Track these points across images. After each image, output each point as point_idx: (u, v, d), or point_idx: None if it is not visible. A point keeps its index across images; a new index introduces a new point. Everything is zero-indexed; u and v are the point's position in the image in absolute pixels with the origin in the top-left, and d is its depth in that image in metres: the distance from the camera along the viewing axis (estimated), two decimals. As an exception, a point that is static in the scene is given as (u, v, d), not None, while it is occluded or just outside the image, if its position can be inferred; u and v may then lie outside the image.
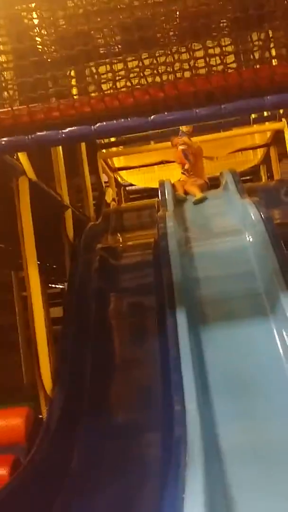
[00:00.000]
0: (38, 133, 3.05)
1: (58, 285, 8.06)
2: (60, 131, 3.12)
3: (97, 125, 3.05)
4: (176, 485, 2.07)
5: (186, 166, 6.69)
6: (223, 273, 4.41)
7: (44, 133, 3.14)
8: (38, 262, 3.82)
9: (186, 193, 6.45)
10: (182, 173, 6.74)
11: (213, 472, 2.45)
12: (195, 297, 4.15)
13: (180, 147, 6.68)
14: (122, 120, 3.06)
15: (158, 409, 3.25)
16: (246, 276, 4.30)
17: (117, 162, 8.71)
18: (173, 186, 6.49)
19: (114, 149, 8.17)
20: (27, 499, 2.62)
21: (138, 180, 9.03)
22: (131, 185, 9.22)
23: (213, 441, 2.88)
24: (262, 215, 4.61)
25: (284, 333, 3.56)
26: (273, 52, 3.20)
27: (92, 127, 3.06)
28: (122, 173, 8.90)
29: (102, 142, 7.62)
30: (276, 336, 3.62)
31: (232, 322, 3.88)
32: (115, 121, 3.07)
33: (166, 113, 2.99)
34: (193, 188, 6.41)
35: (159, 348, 3.70)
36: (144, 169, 8.73)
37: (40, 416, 3.43)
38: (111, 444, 3.09)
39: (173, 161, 7.28)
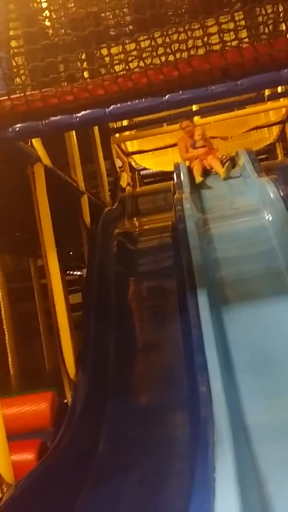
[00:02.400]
0: (52, 118, 3.01)
1: (76, 272, 8.07)
2: (74, 115, 3.08)
3: (111, 107, 3.01)
4: (206, 465, 2.06)
5: (196, 138, 6.53)
6: (244, 253, 4.37)
7: (58, 117, 3.11)
8: (57, 249, 3.81)
9: (205, 171, 6.28)
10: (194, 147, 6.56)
11: (241, 450, 2.44)
12: (216, 278, 4.13)
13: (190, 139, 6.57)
14: (137, 101, 3.02)
15: (182, 390, 3.24)
16: (267, 255, 4.26)
17: (131, 146, 8.65)
18: (188, 170, 6.38)
19: (127, 133, 8.10)
20: (55, 483, 2.64)
21: (152, 163, 8.97)
22: (145, 169, 9.16)
23: (240, 420, 2.87)
24: (281, 193, 4.55)
25: (307, 311, 3.52)
26: (288, 24, 3.11)
27: (106, 109, 3.02)
28: (136, 157, 8.84)
29: (115, 126, 7.56)
30: (299, 314, 3.58)
31: (254, 301, 3.84)
32: (129, 103, 3.02)
33: (181, 92, 2.93)
34: (216, 162, 6.24)
35: (181, 330, 3.69)
36: (158, 152, 8.65)
37: (65, 401, 3.45)
38: (136, 427, 3.10)
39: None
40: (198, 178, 6.15)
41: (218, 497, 1.72)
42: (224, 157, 6.34)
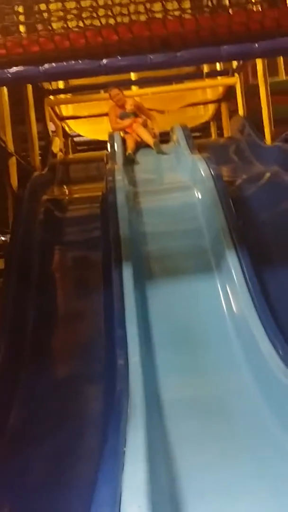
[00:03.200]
0: (-19, 71, 2.83)
1: None
2: (6, 70, 2.91)
3: (46, 66, 2.87)
4: (118, 438, 2.06)
5: (128, 109, 6.36)
6: (171, 229, 4.39)
7: (-13, 71, 2.92)
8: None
9: (138, 144, 6.20)
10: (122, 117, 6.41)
11: (154, 425, 2.47)
12: (142, 252, 4.12)
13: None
14: (73, 62, 2.89)
15: (101, 363, 3.23)
16: (194, 233, 4.30)
17: (65, 110, 8.38)
18: (123, 140, 6.28)
19: (62, 96, 7.84)
20: None
21: (86, 131, 8.75)
22: (79, 136, 8.93)
23: (155, 395, 2.91)
24: (212, 172, 4.59)
25: (228, 290, 3.61)
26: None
27: (41, 67, 2.88)
28: (70, 123, 8.59)
29: (50, 88, 7.29)
30: (220, 293, 3.66)
31: (177, 277, 3.88)
32: (65, 63, 2.89)
33: (119, 57, 2.84)
34: (143, 132, 6.14)
35: (104, 302, 3.66)
36: (94, 120, 8.44)
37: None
38: (51, 398, 3.05)
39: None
40: (128, 151, 6.05)
41: (126, 471, 1.73)
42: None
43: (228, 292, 3.59)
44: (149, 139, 6.10)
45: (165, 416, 2.70)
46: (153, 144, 6.05)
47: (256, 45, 2.89)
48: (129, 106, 6.41)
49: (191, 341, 3.38)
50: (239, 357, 3.17)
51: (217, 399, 2.91)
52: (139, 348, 3.01)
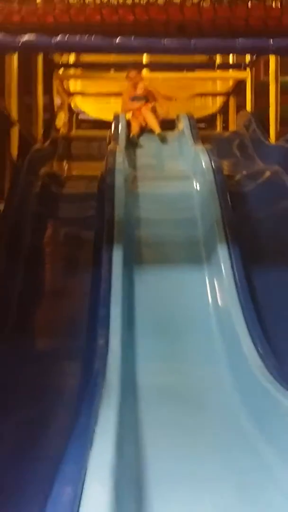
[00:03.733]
0: (-7, 36, 2.79)
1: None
2: (17, 37, 2.88)
3: (59, 37, 2.84)
4: (89, 415, 2.08)
5: (138, 92, 6.36)
6: (166, 217, 4.39)
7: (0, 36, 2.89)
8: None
9: (142, 129, 6.17)
10: (133, 99, 6.38)
11: (128, 408, 2.49)
12: (134, 237, 4.12)
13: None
14: (86, 37, 2.86)
15: (81, 341, 3.24)
16: (188, 223, 4.30)
17: (73, 86, 8.30)
18: (127, 123, 6.25)
19: (72, 71, 7.75)
20: None
21: (92, 109, 8.66)
22: (85, 113, 8.84)
23: (131, 379, 2.93)
24: (213, 164, 4.58)
25: (216, 283, 3.62)
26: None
27: (53, 39, 2.85)
28: (77, 99, 8.50)
29: (61, 62, 7.20)
30: (208, 285, 3.68)
31: (167, 265, 3.89)
32: (78, 37, 2.86)
33: (133, 38, 2.81)
34: (150, 117, 6.11)
35: (91, 282, 3.66)
36: (100, 99, 8.37)
37: None
38: (28, 371, 3.06)
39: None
40: (132, 133, 6.04)
41: (94, 449, 1.74)
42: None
43: (215, 286, 3.61)
44: (155, 126, 6.09)
45: (139, 400, 2.72)
46: (157, 133, 6.03)
47: (272, 41, 2.87)
48: (139, 90, 6.38)
49: (173, 330, 3.39)
50: (219, 351, 3.20)
51: (192, 389, 2.93)
52: (121, 330, 3.03)
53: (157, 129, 6.08)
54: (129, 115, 6.40)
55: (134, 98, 6.39)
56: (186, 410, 2.71)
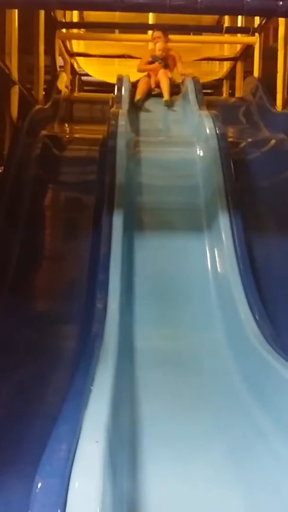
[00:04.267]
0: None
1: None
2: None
3: (60, -8, 2.74)
4: (86, 376, 2.10)
5: (157, 53, 6.21)
6: (168, 183, 4.33)
7: (-1, -10, 2.79)
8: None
9: (151, 91, 6.05)
10: (152, 61, 6.22)
11: (124, 371, 2.51)
12: (135, 202, 4.08)
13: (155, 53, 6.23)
14: (89, -8, 2.76)
15: (80, 304, 3.25)
16: (190, 190, 4.25)
17: (76, 46, 8.10)
18: (132, 85, 6.09)
19: (75, 31, 7.55)
20: None
21: (95, 71, 8.48)
22: (87, 75, 8.67)
23: (128, 342, 2.95)
24: (217, 131, 4.49)
25: (216, 251, 3.61)
26: None
27: (54, -7, 2.75)
28: (80, 60, 8.31)
29: (63, 21, 7.01)
30: (208, 253, 3.66)
31: (167, 232, 3.86)
32: (80, -8, 2.76)
33: (138, -6, 2.72)
34: (164, 81, 5.96)
35: (91, 246, 3.65)
36: (104, 60, 8.18)
37: None
38: (26, 333, 3.08)
39: (136, 57, 6.86)
40: (137, 97, 5.91)
41: (89, 408, 1.76)
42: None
43: (215, 253, 3.60)
44: (165, 92, 5.94)
45: (135, 364, 2.75)
46: (165, 100, 5.89)
47: (281, 2, 2.78)
48: (157, 51, 6.22)
49: (171, 296, 3.40)
50: (217, 317, 3.21)
51: (188, 354, 2.96)
52: (119, 294, 3.03)
53: (166, 95, 5.94)
54: (138, 77, 6.24)
55: (154, 59, 6.23)
56: (182, 374, 2.74)
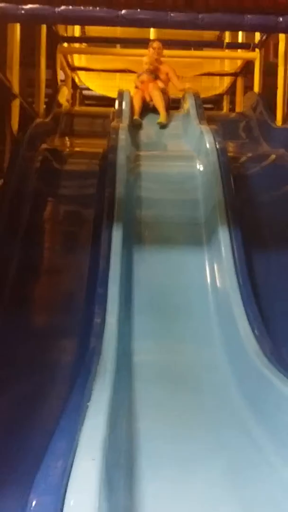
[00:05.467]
0: (-5, 3, 2.72)
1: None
2: (20, 6, 2.81)
3: (62, 7, 2.77)
4: (83, 391, 2.07)
5: (144, 66, 6.03)
6: (167, 197, 4.33)
7: (1, 4, 2.82)
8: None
9: (146, 105, 5.98)
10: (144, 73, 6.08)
11: (122, 386, 2.49)
12: (135, 216, 4.08)
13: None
14: (91, 8, 2.79)
15: (78, 318, 3.23)
16: (190, 204, 4.26)
17: (78, 61, 8.16)
18: (131, 100, 6.05)
19: (76, 45, 7.61)
20: None
21: (96, 85, 8.54)
22: (88, 89, 8.73)
23: (127, 357, 2.92)
24: (218, 145, 4.51)
25: (215, 265, 3.60)
26: None
27: (57, 8, 2.77)
28: (81, 74, 8.38)
29: (65, 35, 7.07)
30: (207, 267, 3.65)
31: (166, 246, 3.85)
32: (82, 8, 2.78)
33: (139, 10, 2.74)
34: (159, 103, 5.85)
35: (90, 260, 3.64)
36: (105, 75, 8.24)
37: None
38: (23, 346, 3.05)
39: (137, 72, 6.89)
40: (135, 116, 5.76)
41: (86, 425, 1.74)
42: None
43: (215, 268, 3.58)
44: (160, 108, 5.84)
45: (134, 379, 2.72)
46: (161, 117, 5.80)
47: (281, 18, 2.80)
48: (144, 65, 6.14)
49: (170, 310, 3.38)
50: (216, 332, 3.19)
51: (187, 369, 2.93)
52: (118, 308, 3.01)
53: (161, 112, 5.80)
54: (134, 90, 6.21)
55: (146, 71, 6.11)
56: (180, 390, 2.71)
